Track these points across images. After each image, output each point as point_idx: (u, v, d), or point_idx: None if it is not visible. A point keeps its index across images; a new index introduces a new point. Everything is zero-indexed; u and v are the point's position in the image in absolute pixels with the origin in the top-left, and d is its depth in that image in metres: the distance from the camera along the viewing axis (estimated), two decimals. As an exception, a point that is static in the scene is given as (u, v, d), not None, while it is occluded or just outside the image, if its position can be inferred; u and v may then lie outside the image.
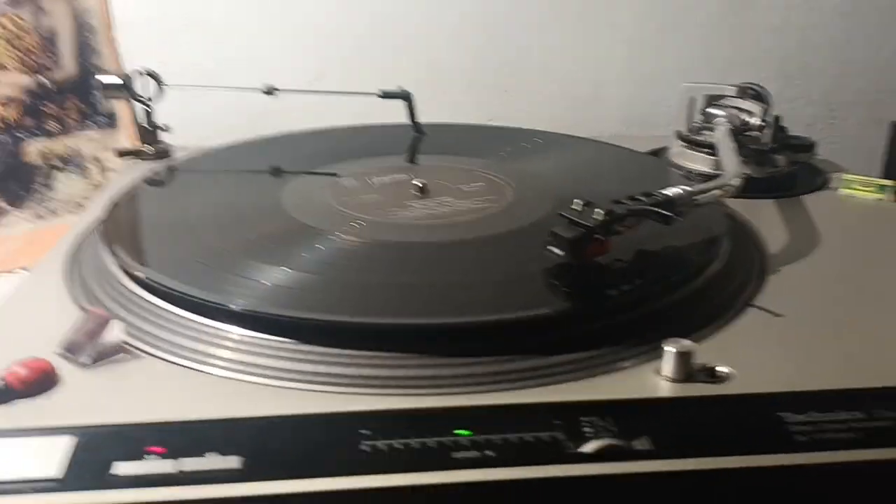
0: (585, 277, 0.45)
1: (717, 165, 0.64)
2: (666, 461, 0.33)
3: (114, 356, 0.40)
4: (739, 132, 0.67)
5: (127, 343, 0.40)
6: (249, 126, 0.77)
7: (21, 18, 0.77)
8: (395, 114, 0.76)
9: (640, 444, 0.34)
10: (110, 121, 0.83)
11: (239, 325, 0.41)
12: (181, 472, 0.32)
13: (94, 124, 0.82)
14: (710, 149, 0.67)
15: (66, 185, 0.80)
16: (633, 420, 0.35)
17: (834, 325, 0.44)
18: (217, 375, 0.39)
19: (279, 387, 0.38)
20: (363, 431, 0.34)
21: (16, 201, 0.78)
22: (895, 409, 0.36)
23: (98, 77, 0.73)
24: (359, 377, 0.38)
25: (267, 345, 0.40)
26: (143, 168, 0.68)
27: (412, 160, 0.71)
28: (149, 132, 0.73)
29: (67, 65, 0.80)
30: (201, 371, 0.39)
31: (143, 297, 0.44)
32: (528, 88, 0.93)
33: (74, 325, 0.40)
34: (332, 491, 0.32)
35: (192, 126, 0.76)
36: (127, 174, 0.68)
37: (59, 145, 0.80)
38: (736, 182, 0.54)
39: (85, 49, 0.81)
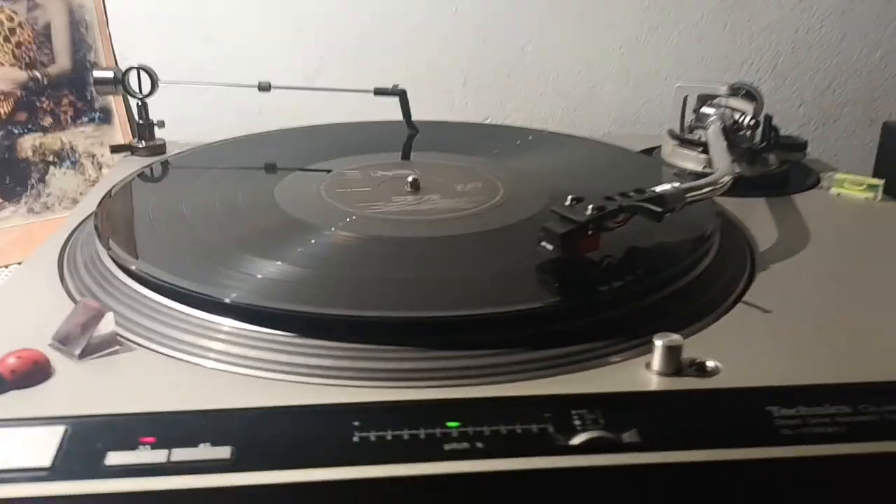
0: (577, 272, 0.45)
1: (710, 164, 0.64)
2: (654, 453, 0.33)
3: (106, 348, 0.40)
4: (731, 131, 0.67)
5: (119, 335, 0.41)
6: (244, 122, 0.78)
7: (16, 13, 0.77)
8: (390, 111, 0.76)
9: (629, 436, 0.34)
10: (105, 116, 0.83)
11: (231, 318, 0.41)
12: (173, 462, 0.32)
13: (89, 120, 0.82)
14: (703, 148, 0.68)
15: (60, 180, 0.80)
16: (623, 413, 0.35)
17: (822, 321, 0.44)
18: (209, 368, 0.39)
19: (271, 379, 0.38)
20: (355, 423, 0.34)
21: (10, 196, 0.78)
22: (881, 403, 0.36)
23: (92, 72, 0.73)
24: (351, 370, 0.38)
25: (259, 337, 0.40)
26: (138, 164, 0.69)
27: (406, 157, 0.72)
28: (143, 128, 0.74)
29: (62, 60, 0.80)
30: (194, 363, 0.39)
31: (135, 290, 0.44)
32: (524, 88, 0.94)
33: (67, 317, 0.40)
34: (324, 481, 0.32)
35: (186, 122, 0.76)
36: (121, 169, 0.68)
37: (54, 140, 0.80)
38: (727, 180, 0.54)
39: (80, 44, 0.81)
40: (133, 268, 0.45)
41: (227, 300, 0.41)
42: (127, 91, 0.72)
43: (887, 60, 0.94)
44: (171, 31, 0.87)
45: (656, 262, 0.48)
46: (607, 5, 0.91)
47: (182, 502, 0.31)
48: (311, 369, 0.38)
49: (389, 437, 0.34)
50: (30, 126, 0.79)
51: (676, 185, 0.49)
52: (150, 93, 0.73)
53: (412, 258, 0.49)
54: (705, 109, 0.70)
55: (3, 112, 0.77)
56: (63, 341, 0.39)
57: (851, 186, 0.65)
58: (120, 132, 0.83)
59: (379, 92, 0.74)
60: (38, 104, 0.79)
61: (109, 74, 0.71)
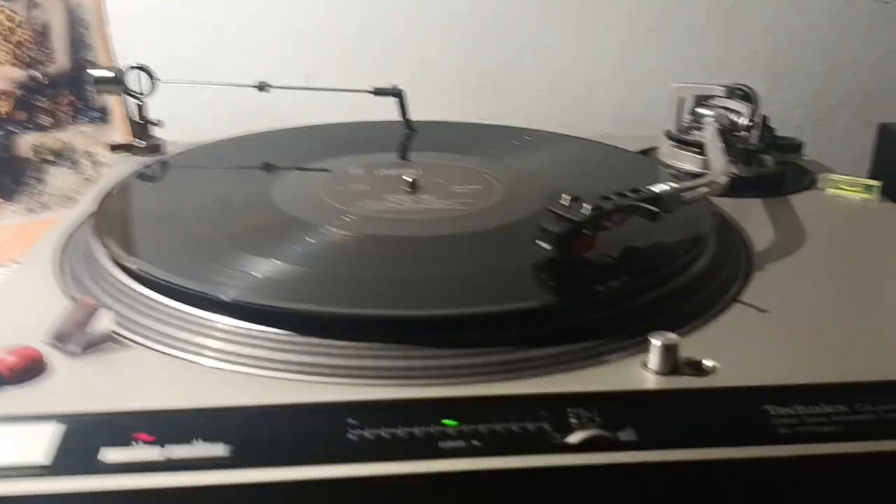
0: (573, 272, 0.46)
1: (706, 164, 0.65)
2: (650, 452, 0.33)
3: (103, 345, 0.40)
4: (728, 132, 0.67)
5: (116, 332, 0.41)
6: (242, 122, 0.78)
7: (14, 12, 0.77)
8: (387, 111, 0.76)
9: (626, 434, 0.34)
10: (102, 115, 0.83)
11: (228, 316, 0.41)
12: (169, 459, 0.32)
13: (87, 119, 0.82)
14: (699, 148, 0.68)
15: (57, 179, 0.80)
16: (619, 411, 0.36)
17: (819, 321, 0.45)
18: (206, 366, 0.39)
19: (268, 377, 0.38)
20: (351, 421, 0.34)
21: (7, 195, 0.78)
22: (877, 403, 0.36)
23: (90, 71, 0.73)
24: (347, 367, 0.38)
25: (255, 335, 0.40)
26: (135, 162, 0.69)
27: (404, 157, 0.72)
28: (141, 127, 0.74)
29: (60, 59, 0.80)
30: (190, 361, 0.39)
31: (132, 288, 0.44)
32: (522, 88, 0.94)
33: (64, 315, 0.40)
34: (320, 479, 0.32)
35: (184, 121, 0.76)
36: (119, 168, 0.68)
37: (52, 139, 0.80)
38: (723, 180, 0.54)
39: (78, 43, 0.81)
40: (131, 266, 0.45)
41: (224, 298, 0.41)
42: (126, 90, 0.72)
43: (883, 62, 0.95)
44: (170, 31, 0.87)
45: (652, 261, 0.48)
46: (606, 6, 0.92)
47: (178, 499, 0.32)
48: (307, 367, 0.38)
49: (385, 436, 0.34)
50: (28, 125, 0.79)
51: (673, 185, 0.49)
52: (149, 92, 0.73)
53: (409, 257, 0.49)
54: (702, 110, 0.70)
55: (2, 111, 0.77)
56: (60, 338, 0.39)
57: (848, 187, 0.65)
58: (118, 131, 0.83)
59: (377, 92, 0.74)
60: (36, 103, 0.79)
61: (108, 74, 0.71)
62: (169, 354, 0.40)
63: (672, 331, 0.39)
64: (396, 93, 0.75)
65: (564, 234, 0.44)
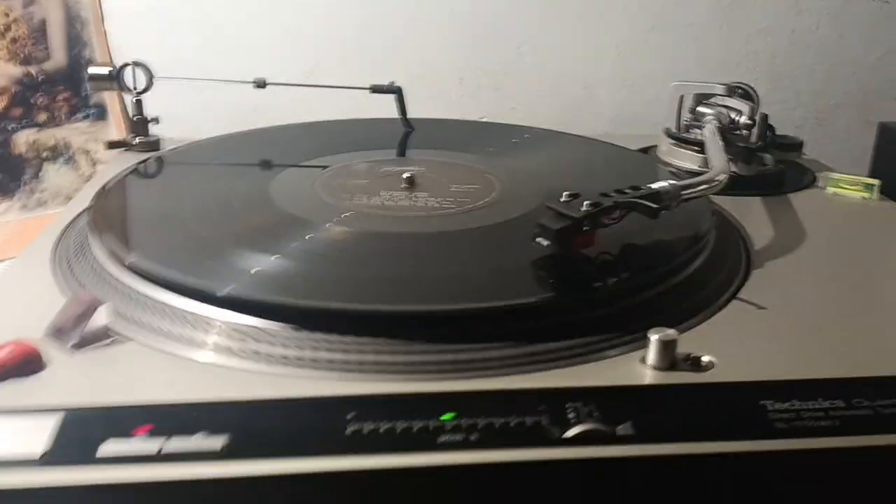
0: (572, 268, 0.45)
1: (706, 163, 0.65)
2: (648, 446, 0.33)
3: (101, 340, 0.40)
4: (727, 130, 0.67)
5: (114, 328, 0.40)
6: (240, 119, 0.78)
7: (11, 9, 0.77)
8: (385, 109, 0.76)
9: (623, 429, 0.34)
10: (100, 113, 0.82)
11: (226, 310, 0.41)
12: (167, 451, 0.32)
13: (84, 116, 0.82)
14: (699, 146, 0.68)
15: (55, 176, 0.80)
16: (617, 406, 0.35)
17: (817, 318, 0.45)
18: (203, 360, 0.39)
19: (266, 372, 0.38)
20: (348, 415, 0.34)
21: (4, 192, 0.78)
22: (874, 398, 0.36)
23: (88, 68, 0.73)
24: (344, 362, 0.38)
25: (254, 330, 0.40)
26: (133, 159, 0.68)
27: (402, 154, 0.72)
28: (139, 124, 0.73)
29: (58, 56, 0.80)
30: (187, 356, 0.39)
31: (130, 284, 0.44)
32: (521, 87, 0.94)
33: (61, 309, 0.40)
34: (317, 472, 0.32)
35: (182, 118, 0.76)
36: (116, 165, 0.68)
37: (49, 137, 0.80)
38: (722, 178, 0.54)
39: (75, 40, 0.81)
40: (128, 261, 0.45)
41: (221, 293, 0.41)
42: (122, 87, 0.72)
43: (883, 62, 0.95)
44: (167, 28, 0.87)
45: (651, 258, 0.48)
46: (605, 6, 0.92)
47: (176, 491, 0.31)
48: (304, 362, 0.38)
49: (383, 430, 0.34)
50: (24, 122, 0.79)
51: (672, 182, 0.49)
52: (146, 89, 0.72)
53: (408, 253, 0.49)
54: (702, 109, 0.70)
55: (-2, 108, 0.77)
56: (57, 333, 0.39)
57: (848, 186, 0.65)
58: (115, 128, 0.83)
59: (375, 89, 0.74)
60: (33, 100, 0.79)
61: (105, 71, 0.71)
62: (166, 349, 0.39)
63: (671, 327, 0.39)
64: (395, 90, 0.75)
65: (563, 230, 0.44)
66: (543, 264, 0.45)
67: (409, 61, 0.91)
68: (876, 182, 0.64)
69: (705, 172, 0.56)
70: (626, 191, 0.47)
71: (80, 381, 0.37)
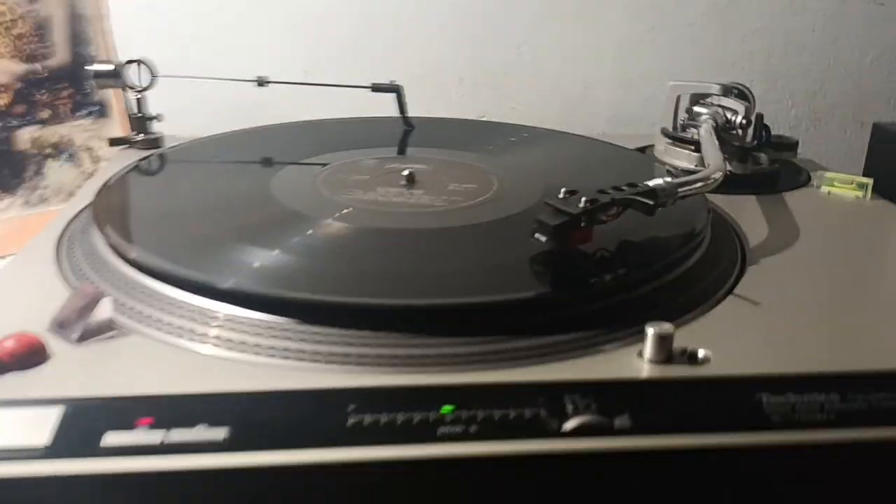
0: (569, 264, 0.46)
1: (701, 162, 0.65)
2: (645, 438, 0.34)
3: (104, 333, 0.40)
4: (723, 130, 0.68)
5: (117, 320, 0.41)
6: (241, 117, 0.78)
7: (16, 5, 0.77)
8: (386, 109, 0.77)
9: (621, 421, 0.35)
10: (102, 109, 0.83)
11: (227, 304, 0.41)
12: (170, 442, 0.32)
13: (87, 113, 0.82)
14: (695, 146, 0.68)
15: (57, 173, 0.80)
16: (615, 399, 0.36)
17: (811, 313, 0.45)
18: (206, 353, 0.39)
19: (268, 364, 0.38)
20: (349, 407, 0.35)
21: (6, 188, 0.78)
22: (868, 392, 0.37)
23: (90, 66, 0.73)
24: (346, 355, 0.39)
25: (255, 323, 0.40)
26: (135, 156, 0.69)
27: (402, 152, 0.72)
28: (140, 121, 0.74)
29: (60, 53, 0.80)
30: (190, 348, 0.39)
31: (133, 278, 0.45)
32: (519, 86, 0.95)
33: (65, 302, 0.41)
34: (318, 463, 0.32)
35: (183, 116, 0.76)
36: (118, 162, 0.68)
37: (51, 133, 0.80)
38: (718, 176, 0.55)
39: (79, 38, 0.81)
40: (131, 255, 0.46)
41: (223, 286, 0.42)
42: (125, 84, 0.72)
43: (878, 63, 0.95)
44: (170, 26, 0.87)
45: (648, 254, 0.49)
46: (603, 6, 0.92)
47: (177, 482, 0.32)
48: (306, 354, 0.39)
49: (383, 421, 0.34)
50: (28, 118, 0.79)
51: (668, 180, 0.50)
52: (149, 86, 0.73)
53: (408, 249, 0.50)
54: (698, 108, 0.71)
55: (1, 104, 0.77)
56: (61, 326, 0.40)
57: (841, 185, 0.66)
58: (118, 125, 0.83)
59: (375, 88, 0.75)
60: (36, 97, 0.79)
61: (108, 68, 0.72)
62: (169, 342, 0.40)
63: (667, 322, 0.40)
64: (394, 89, 0.75)
65: (561, 226, 0.44)
66: (542, 260, 0.46)
67: (409, 61, 0.91)
68: (869, 181, 0.65)
69: (701, 171, 0.56)
70: (623, 188, 0.48)
71: (83, 373, 0.37)
